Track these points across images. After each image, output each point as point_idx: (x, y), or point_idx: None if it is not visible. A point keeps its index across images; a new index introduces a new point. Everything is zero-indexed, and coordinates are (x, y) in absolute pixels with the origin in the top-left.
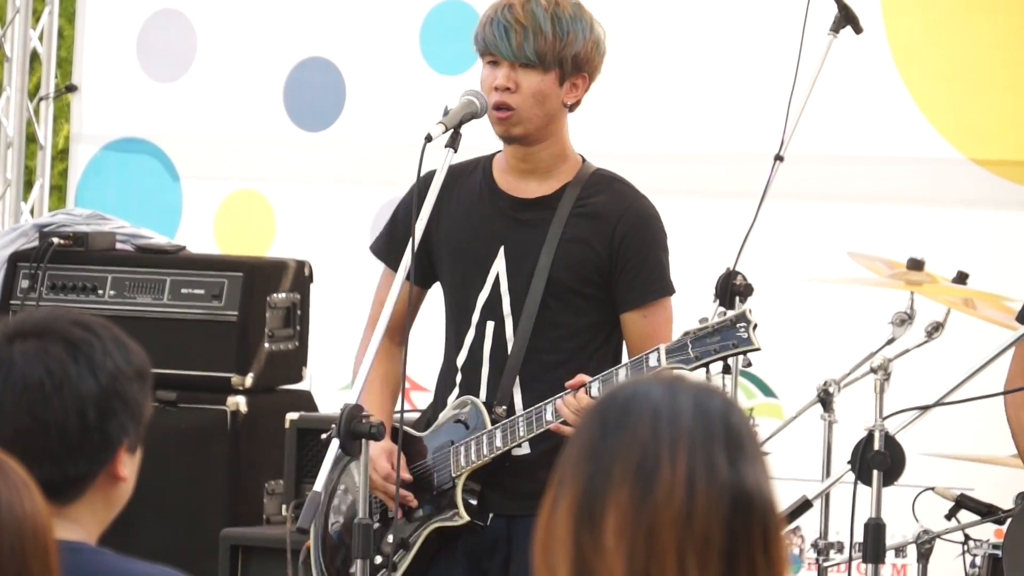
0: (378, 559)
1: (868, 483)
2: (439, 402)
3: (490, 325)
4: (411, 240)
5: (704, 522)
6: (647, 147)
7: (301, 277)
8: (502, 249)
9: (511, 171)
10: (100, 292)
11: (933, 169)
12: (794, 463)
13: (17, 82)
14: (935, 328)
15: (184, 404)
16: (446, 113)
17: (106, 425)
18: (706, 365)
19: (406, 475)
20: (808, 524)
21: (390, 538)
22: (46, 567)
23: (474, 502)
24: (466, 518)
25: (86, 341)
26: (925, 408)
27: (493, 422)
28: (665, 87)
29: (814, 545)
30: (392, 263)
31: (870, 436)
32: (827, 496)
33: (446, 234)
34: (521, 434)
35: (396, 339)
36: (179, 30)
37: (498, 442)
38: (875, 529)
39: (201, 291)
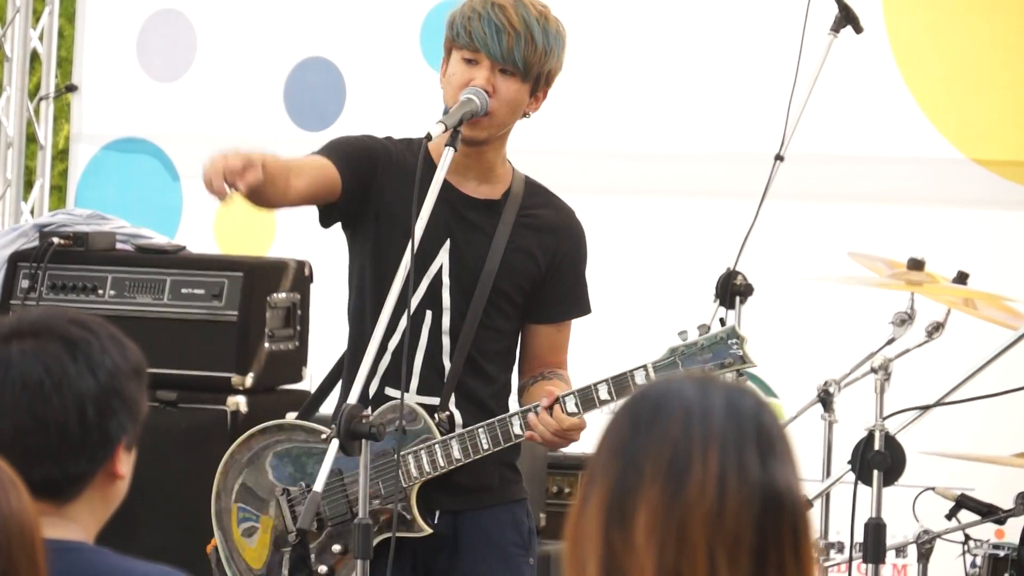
0: (323, 568)
1: (868, 483)
2: (350, 385)
3: (428, 314)
4: (411, 242)
5: (735, 521)
6: (648, 147)
7: (301, 277)
8: (448, 242)
9: (454, 164)
10: (100, 292)
11: (934, 169)
12: None
13: (17, 82)
14: (935, 328)
15: (184, 404)
16: (446, 112)
17: (105, 423)
18: None
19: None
20: None
21: (336, 547)
22: (34, 565)
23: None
24: (428, 530)
25: (84, 339)
26: (925, 408)
27: (440, 429)
28: (666, 87)
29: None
30: (328, 154)
31: (870, 436)
32: (827, 496)
33: (390, 209)
34: (485, 447)
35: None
36: (179, 30)
37: (457, 454)
38: (875, 529)
39: (201, 291)
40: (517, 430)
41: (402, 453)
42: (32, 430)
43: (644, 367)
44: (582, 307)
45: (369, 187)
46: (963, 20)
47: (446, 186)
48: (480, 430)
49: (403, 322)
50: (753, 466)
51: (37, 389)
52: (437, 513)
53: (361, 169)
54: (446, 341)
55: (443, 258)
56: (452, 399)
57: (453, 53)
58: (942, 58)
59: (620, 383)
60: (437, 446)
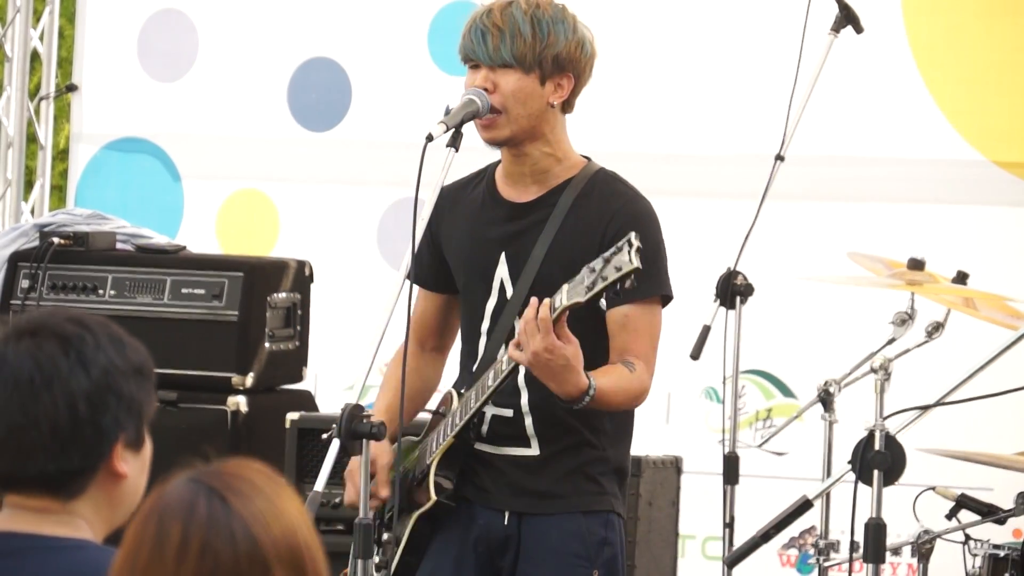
0: (376, 557)
1: (868, 483)
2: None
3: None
4: (412, 241)
5: None
6: (649, 147)
7: (301, 277)
8: (503, 255)
9: (510, 176)
10: (100, 292)
11: (953, 171)
12: (794, 463)
13: (17, 82)
14: (935, 328)
15: (184, 404)
16: (447, 112)
17: (99, 419)
18: (598, 295)
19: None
20: (808, 524)
21: (386, 535)
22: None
23: (449, 484)
24: (434, 498)
25: (78, 336)
26: (925, 408)
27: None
28: (667, 88)
29: (814, 545)
30: (417, 280)
31: (870, 436)
32: (827, 496)
33: (456, 248)
34: (471, 406)
35: (427, 346)
36: (180, 30)
37: (457, 419)
38: (875, 529)
39: (201, 291)
40: (489, 381)
41: (431, 434)
42: (24, 427)
43: (561, 289)
44: (651, 287)
45: (446, 257)
46: (983, 22)
47: (498, 201)
48: (472, 391)
49: (480, 345)
50: None
51: (27, 386)
52: (507, 514)
53: (436, 263)
54: (499, 347)
55: (502, 272)
56: (525, 407)
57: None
58: (962, 60)
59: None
60: (450, 419)
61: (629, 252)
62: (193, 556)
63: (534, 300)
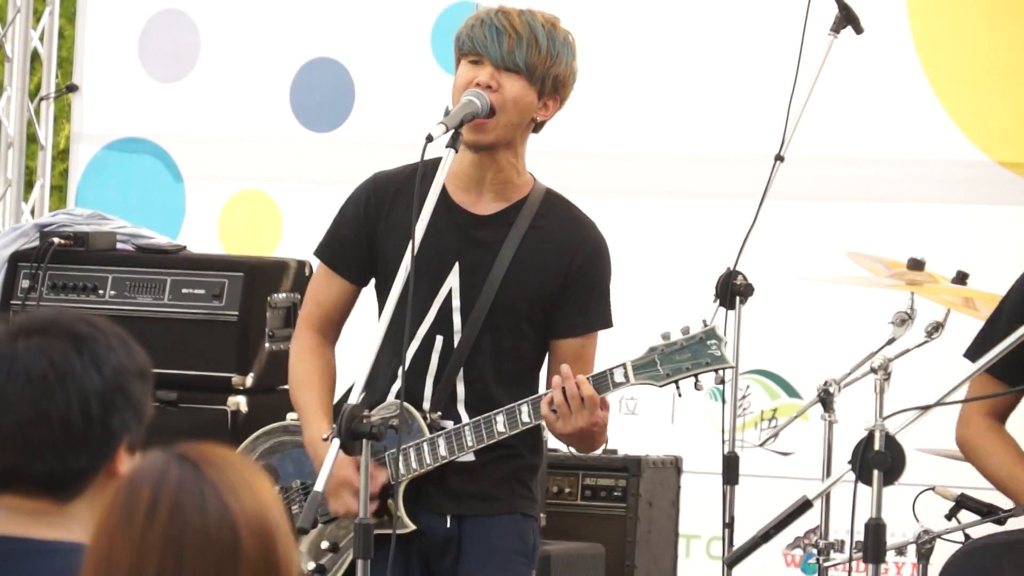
0: (311, 564)
1: (868, 483)
2: (368, 402)
3: (439, 340)
4: (411, 243)
5: None
6: (650, 147)
7: (302, 277)
8: (457, 265)
9: (466, 180)
10: (101, 292)
11: (957, 171)
12: (795, 463)
13: (18, 82)
14: (935, 328)
15: (184, 404)
16: (447, 113)
17: (109, 419)
18: (677, 382)
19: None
20: (813, 524)
21: (324, 544)
22: (277, 561)
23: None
24: (412, 526)
25: (91, 336)
26: (925, 408)
27: (431, 428)
28: (668, 89)
29: (814, 545)
30: (332, 262)
31: (870, 436)
32: (827, 496)
33: (397, 241)
34: (469, 444)
35: (328, 337)
36: (182, 30)
37: (442, 451)
38: (875, 529)
39: (202, 291)
40: (500, 427)
41: (392, 451)
42: (34, 423)
43: (623, 365)
44: (604, 320)
45: (374, 247)
46: (988, 23)
47: (456, 209)
48: (467, 427)
49: (413, 348)
50: None
51: (41, 382)
52: (448, 518)
53: (359, 249)
54: (457, 365)
55: (452, 281)
56: (465, 418)
57: (460, 62)
58: (968, 61)
59: (600, 380)
60: (425, 444)
61: (720, 347)
62: (162, 518)
63: (567, 371)
